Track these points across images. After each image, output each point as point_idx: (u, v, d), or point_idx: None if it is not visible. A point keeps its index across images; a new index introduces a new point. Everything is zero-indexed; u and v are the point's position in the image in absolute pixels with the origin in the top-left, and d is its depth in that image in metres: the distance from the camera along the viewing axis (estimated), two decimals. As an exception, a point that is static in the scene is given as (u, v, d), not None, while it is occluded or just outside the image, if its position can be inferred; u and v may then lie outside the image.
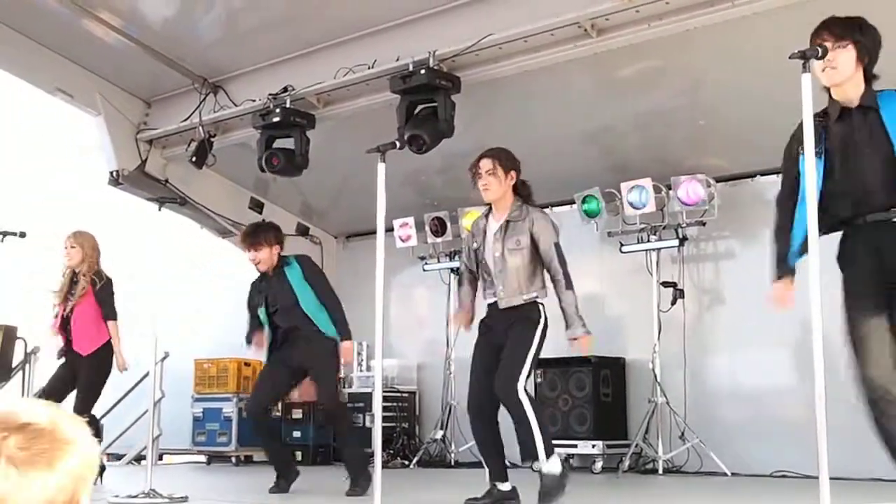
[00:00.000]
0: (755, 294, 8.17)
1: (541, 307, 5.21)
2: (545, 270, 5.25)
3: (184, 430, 10.33)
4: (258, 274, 6.77)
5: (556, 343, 8.82)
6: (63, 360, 7.17)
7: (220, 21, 8.44)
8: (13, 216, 9.56)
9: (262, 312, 6.65)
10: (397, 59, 7.68)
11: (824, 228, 3.79)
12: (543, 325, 5.20)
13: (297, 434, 9.96)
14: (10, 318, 9.35)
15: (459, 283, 5.61)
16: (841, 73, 3.78)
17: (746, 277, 8.32)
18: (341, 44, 8.26)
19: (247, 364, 10.31)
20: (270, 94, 8.41)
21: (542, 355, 8.41)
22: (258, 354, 6.89)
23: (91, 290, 7.07)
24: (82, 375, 7.02)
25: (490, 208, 5.39)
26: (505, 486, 5.20)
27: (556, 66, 7.36)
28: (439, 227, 9.67)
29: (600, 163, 8.73)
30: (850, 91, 3.83)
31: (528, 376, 5.04)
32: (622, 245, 8.72)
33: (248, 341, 6.84)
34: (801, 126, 3.70)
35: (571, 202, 9.03)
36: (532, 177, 8.93)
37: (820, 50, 3.60)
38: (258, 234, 6.68)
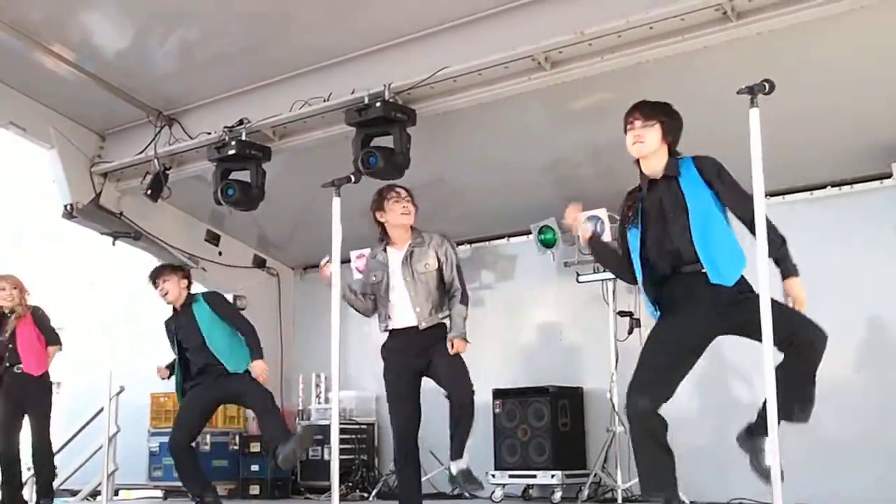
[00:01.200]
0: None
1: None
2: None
3: (140, 465, 10.19)
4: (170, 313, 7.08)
5: (514, 374, 8.91)
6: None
7: (175, 53, 8.41)
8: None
9: (174, 349, 6.95)
10: (353, 92, 7.71)
11: (651, 288, 4.46)
12: None
13: (255, 468, 9.88)
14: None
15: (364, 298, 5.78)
16: (647, 147, 4.39)
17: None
18: (297, 76, 8.28)
19: (203, 398, 10.19)
20: (226, 127, 8.39)
21: (501, 385, 8.58)
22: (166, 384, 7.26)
23: (31, 316, 7.58)
24: (33, 398, 7.32)
25: (384, 244, 5.72)
26: None
27: (510, 98, 7.42)
28: (396, 258, 9.67)
29: (556, 193, 8.78)
30: (655, 164, 4.42)
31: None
32: (579, 275, 8.76)
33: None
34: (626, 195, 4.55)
35: (528, 233, 9.08)
36: (488, 207, 9.08)
37: (767, 85, 3.78)
38: (164, 268, 7.16)
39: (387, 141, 7.60)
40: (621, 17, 6.51)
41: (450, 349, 5.39)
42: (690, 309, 4.30)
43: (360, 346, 10.49)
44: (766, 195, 3.69)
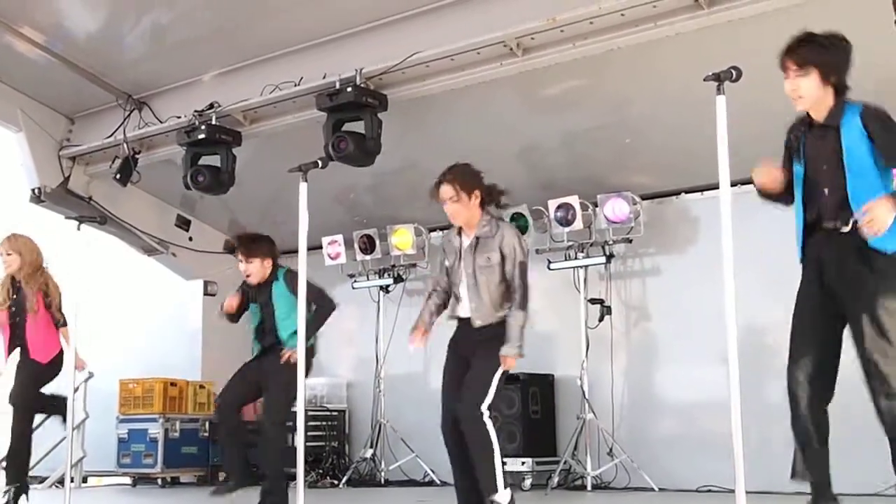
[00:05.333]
0: (680, 309, 8.35)
1: None
2: None
3: (109, 452, 10.12)
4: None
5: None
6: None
7: (146, 37, 8.34)
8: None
9: (254, 312, 6.34)
10: (324, 77, 7.68)
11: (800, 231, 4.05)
12: None
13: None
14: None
15: (427, 297, 5.33)
16: (806, 100, 3.97)
17: (672, 293, 8.44)
18: (268, 60, 8.24)
19: (173, 384, 10.15)
20: (196, 111, 8.34)
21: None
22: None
23: (41, 300, 6.81)
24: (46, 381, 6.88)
25: (459, 227, 5.21)
26: None
27: (482, 84, 7.40)
28: (368, 245, 9.65)
29: (528, 180, 8.77)
30: (819, 110, 3.98)
31: (492, 399, 4.83)
32: (550, 262, 8.77)
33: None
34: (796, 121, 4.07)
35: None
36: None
37: (734, 72, 3.66)
38: (253, 245, 6.33)
39: (358, 126, 7.56)
40: (593, 3, 6.51)
41: (501, 363, 4.89)
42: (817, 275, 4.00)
43: (332, 332, 10.45)
44: (733, 184, 3.66)
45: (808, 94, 3.93)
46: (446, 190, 5.11)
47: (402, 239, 9.49)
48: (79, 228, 6.09)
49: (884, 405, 3.77)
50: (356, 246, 9.69)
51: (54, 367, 6.85)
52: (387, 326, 9.66)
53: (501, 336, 4.92)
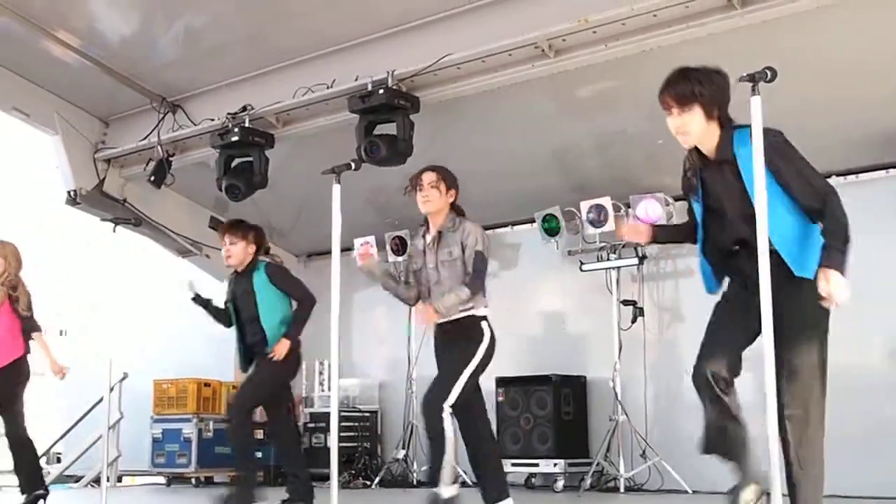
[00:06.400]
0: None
1: (483, 324, 5.03)
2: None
3: (143, 452, 10.22)
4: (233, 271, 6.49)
5: (518, 362, 8.89)
6: None
7: (179, 40, 8.39)
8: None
9: (231, 308, 6.43)
10: (356, 79, 7.69)
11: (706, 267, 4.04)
12: (488, 345, 4.99)
13: (258, 455, 9.87)
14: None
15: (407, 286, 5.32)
16: (692, 137, 3.79)
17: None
18: (300, 63, 8.26)
19: (207, 385, 10.24)
20: (229, 114, 8.39)
21: (504, 373, 8.56)
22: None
23: (8, 302, 6.69)
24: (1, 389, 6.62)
25: (425, 227, 5.25)
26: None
27: (515, 86, 7.39)
28: (400, 246, 9.67)
29: (560, 182, 8.77)
30: (707, 143, 3.80)
31: (458, 397, 4.83)
32: (582, 263, 8.76)
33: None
34: (685, 159, 3.91)
35: (532, 221, 9.08)
36: (492, 196, 9.03)
37: (769, 73, 3.57)
38: (238, 226, 6.43)
39: (390, 128, 7.57)
40: (625, 4, 6.47)
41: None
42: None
43: (364, 333, 10.54)
44: (769, 184, 3.63)
45: (694, 130, 3.75)
46: (430, 175, 5.18)
47: (434, 240, 9.49)
48: (114, 230, 6.14)
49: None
50: (388, 247, 9.71)
51: (8, 371, 6.64)
52: (419, 327, 9.66)
53: (469, 333, 4.98)
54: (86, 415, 10.20)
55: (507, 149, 8.51)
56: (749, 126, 3.58)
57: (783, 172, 3.63)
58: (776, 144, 3.64)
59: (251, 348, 6.36)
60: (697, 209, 3.92)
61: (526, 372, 8.84)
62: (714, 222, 3.87)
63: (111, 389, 6.62)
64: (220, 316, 6.54)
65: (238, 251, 6.34)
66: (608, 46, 6.78)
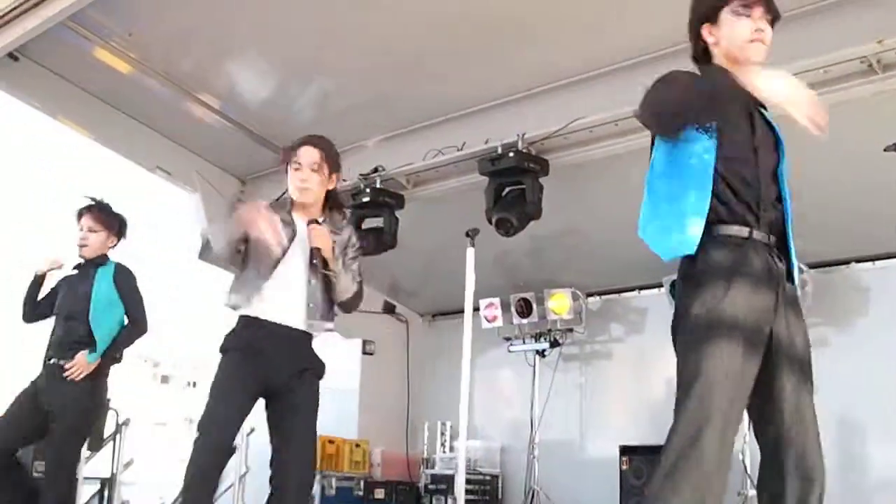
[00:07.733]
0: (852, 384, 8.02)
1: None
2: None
3: (267, 506, 10.32)
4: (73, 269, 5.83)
5: (642, 430, 8.72)
6: None
7: (313, 102, 8.63)
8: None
9: (47, 304, 5.75)
10: (486, 142, 7.77)
11: None
12: None
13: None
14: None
15: None
16: (765, 51, 3.34)
17: (841, 365, 8.12)
18: (431, 126, 8.39)
19: (331, 442, 10.31)
20: (361, 174, 8.55)
21: (629, 441, 8.38)
22: None
23: None
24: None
25: (290, 205, 4.39)
26: None
27: (644, 149, 7.32)
28: (525, 309, 9.64)
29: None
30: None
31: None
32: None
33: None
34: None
35: (659, 285, 8.96)
36: (619, 259, 8.96)
37: None
38: (108, 213, 5.81)
39: (519, 189, 7.60)
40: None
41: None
42: None
43: (487, 395, 10.50)
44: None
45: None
46: (313, 154, 4.38)
47: (559, 303, 9.44)
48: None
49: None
50: (513, 309, 9.70)
51: None
52: (542, 391, 9.59)
53: None
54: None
55: (637, 212, 8.43)
56: None
57: None
58: None
59: (55, 347, 5.58)
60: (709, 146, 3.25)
61: (650, 440, 8.63)
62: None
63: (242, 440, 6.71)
64: (32, 302, 5.79)
65: (97, 241, 5.77)
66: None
